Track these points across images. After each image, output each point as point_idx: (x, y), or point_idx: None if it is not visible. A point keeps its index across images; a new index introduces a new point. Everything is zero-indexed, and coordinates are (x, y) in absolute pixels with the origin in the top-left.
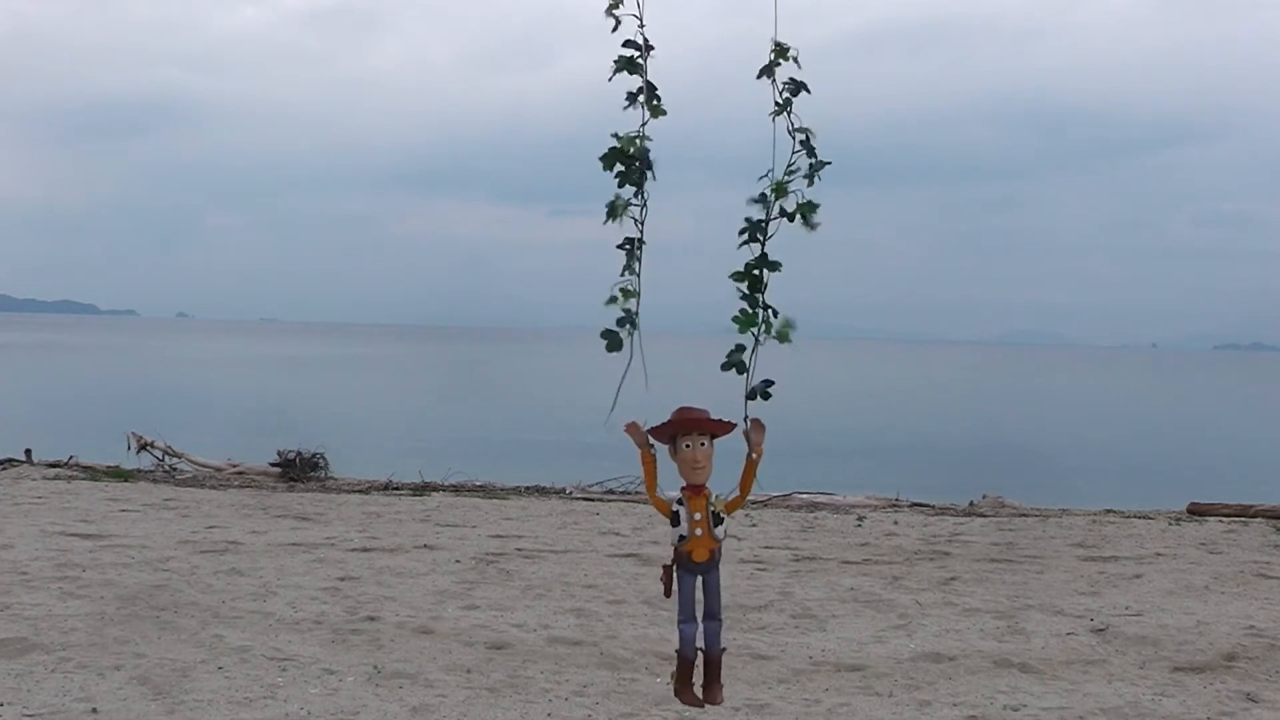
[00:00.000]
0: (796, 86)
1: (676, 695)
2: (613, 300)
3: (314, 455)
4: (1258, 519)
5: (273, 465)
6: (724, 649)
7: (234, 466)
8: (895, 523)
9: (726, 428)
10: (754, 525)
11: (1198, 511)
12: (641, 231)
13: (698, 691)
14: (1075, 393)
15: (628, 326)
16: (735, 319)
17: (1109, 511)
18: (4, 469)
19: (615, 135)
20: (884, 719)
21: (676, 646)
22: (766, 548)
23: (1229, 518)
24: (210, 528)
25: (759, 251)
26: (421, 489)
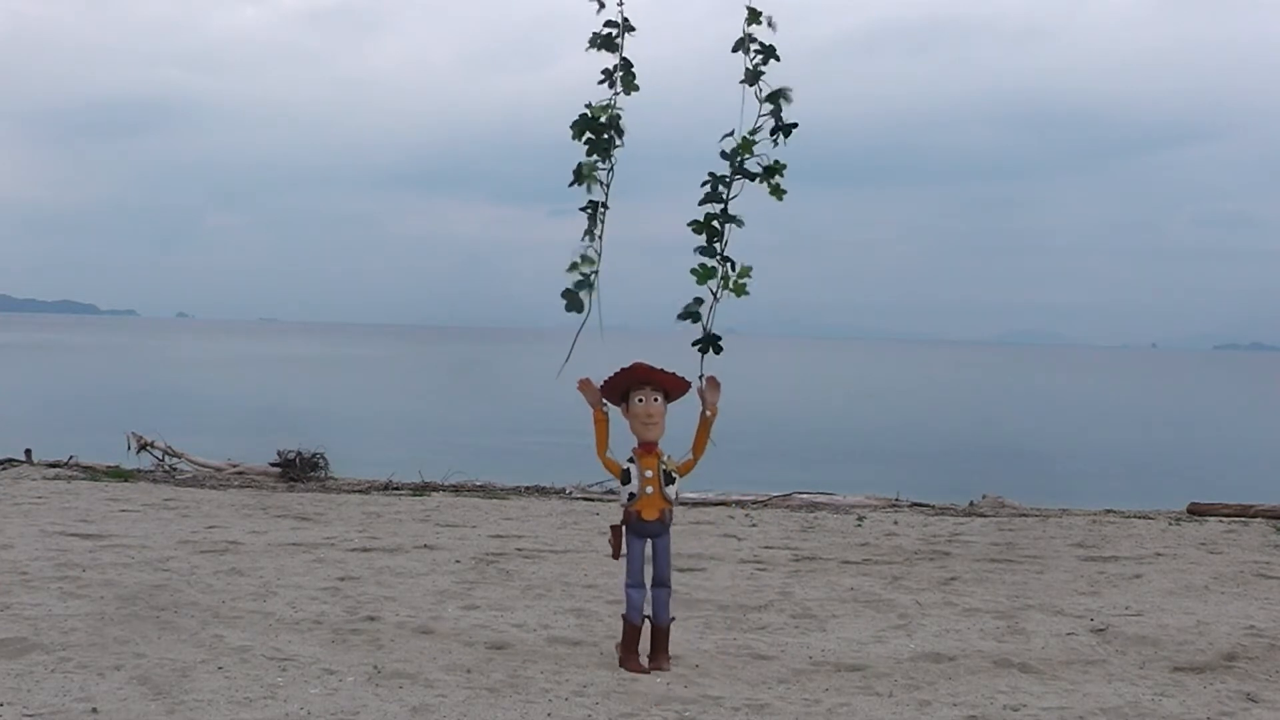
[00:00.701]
0: (767, 53)
1: (621, 664)
2: (574, 266)
3: (314, 455)
4: (1258, 519)
5: (273, 465)
6: (672, 618)
7: (234, 466)
8: (895, 523)
9: (680, 384)
10: (754, 525)
11: (1198, 511)
12: (607, 196)
13: (643, 660)
14: (1075, 393)
15: (587, 290)
16: (693, 271)
17: (1109, 511)
18: (4, 469)
19: (587, 105)
20: (884, 719)
21: (623, 612)
22: (766, 548)
23: (1229, 518)
24: (210, 528)
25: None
26: (421, 489)
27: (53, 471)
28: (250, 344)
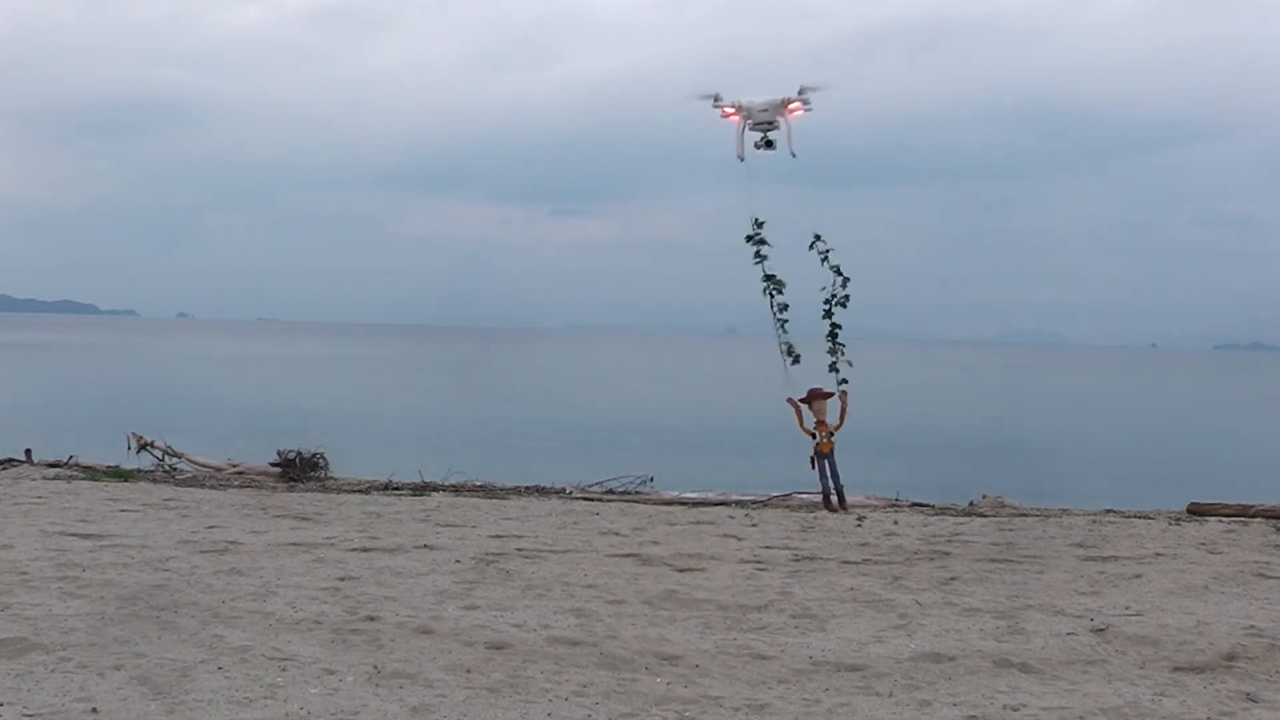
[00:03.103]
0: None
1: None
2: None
3: (314, 455)
4: (1258, 519)
5: (273, 465)
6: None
7: (234, 466)
8: (895, 523)
9: (820, 394)
10: (754, 525)
11: (1198, 511)
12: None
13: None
14: (1075, 393)
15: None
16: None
17: (1109, 511)
18: (4, 469)
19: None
20: (884, 719)
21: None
22: (766, 548)
23: (1229, 518)
24: (210, 528)
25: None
26: (421, 489)
27: (53, 471)
28: (250, 344)
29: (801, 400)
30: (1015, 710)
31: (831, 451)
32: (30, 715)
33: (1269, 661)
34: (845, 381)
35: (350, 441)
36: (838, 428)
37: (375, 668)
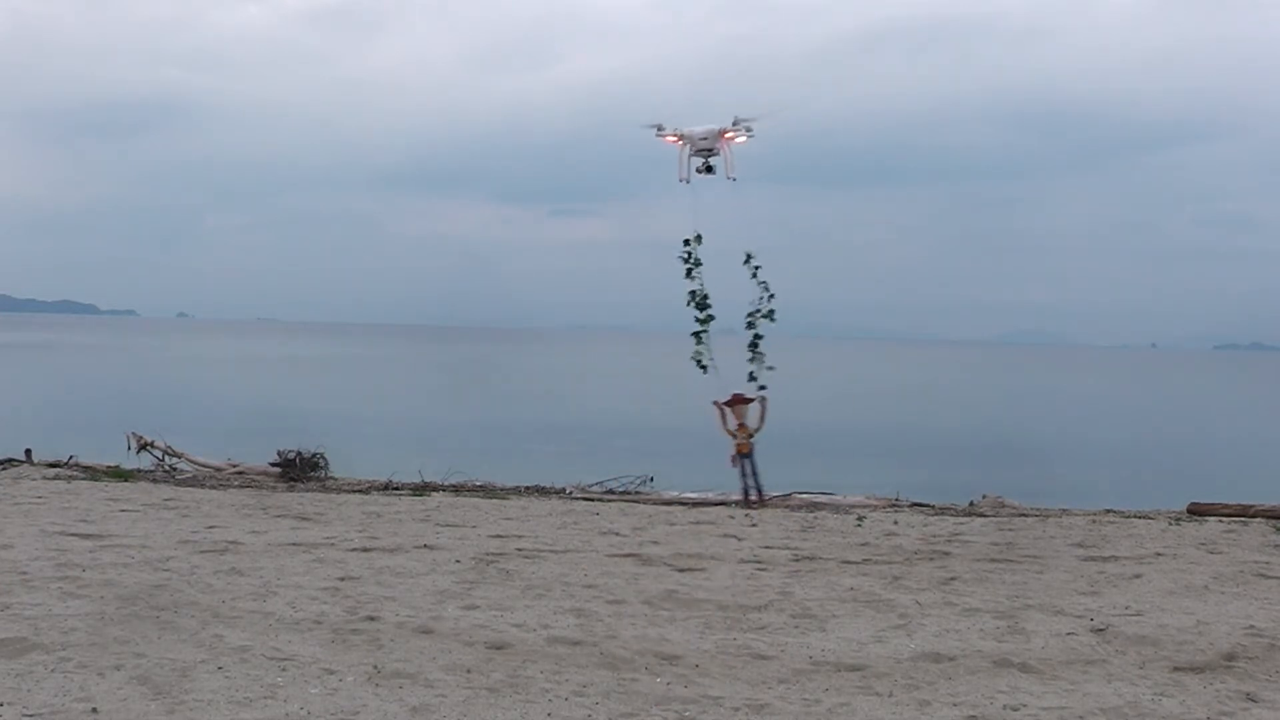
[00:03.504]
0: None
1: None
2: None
3: (314, 455)
4: (1258, 519)
5: (273, 465)
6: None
7: (234, 466)
8: (895, 523)
9: (748, 400)
10: (754, 525)
11: (1198, 511)
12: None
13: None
14: (1075, 393)
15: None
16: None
17: (1109, 511)
18: (4, 469)
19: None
20: (884, 719)
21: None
22: (766, 548)
23: (1229, 518)
24: (210, 528)
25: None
26: (421, 489)
27: (53, 471)
28: (250, 344)
29: (725, 403)
30: (1015, 710)
31: (750, 452)
32: (30, 715)
33: (1269, 661)
34: (764, 388)
35: (350, 441)
36: (757, 430)
37: (375, 668)
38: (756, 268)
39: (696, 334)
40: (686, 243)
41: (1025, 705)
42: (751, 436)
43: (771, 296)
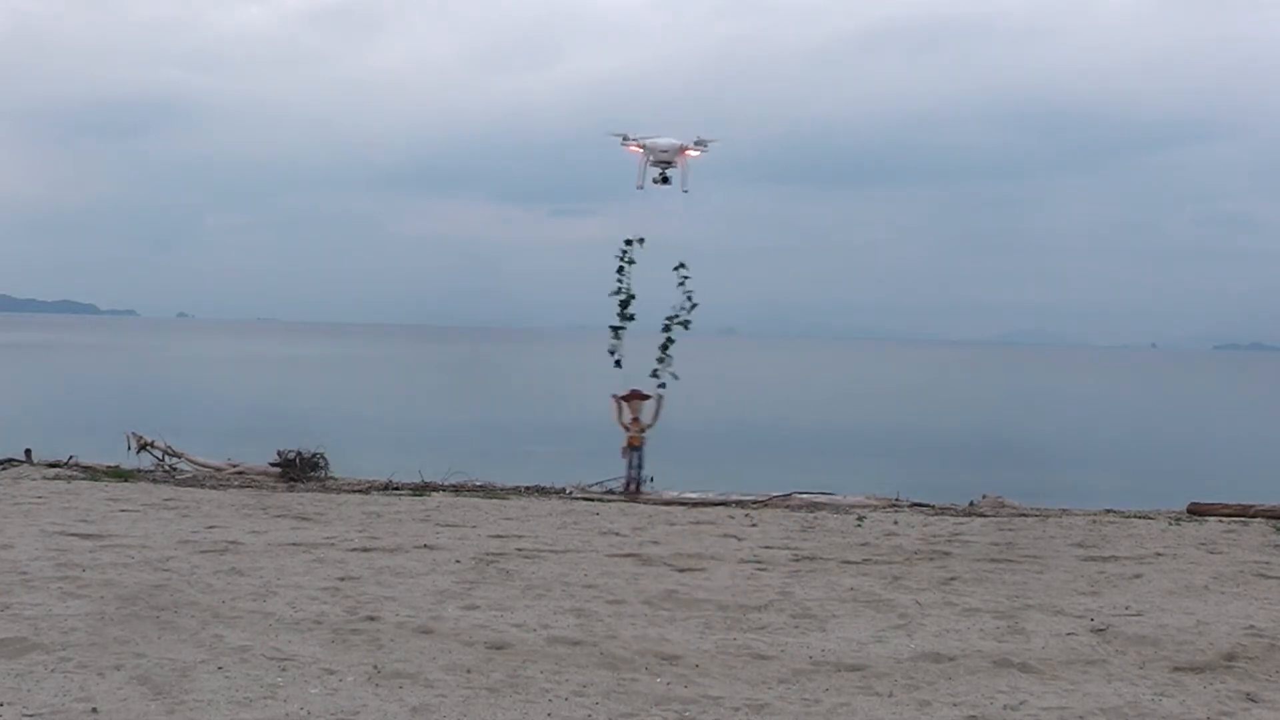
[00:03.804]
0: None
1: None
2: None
3: (314, 455)
4: (1258, 519)
5: (273, 465)
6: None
7: (234, 466)
8: (895, 523)
9: (645, 396)
10: (754, 525)
11: (1198, 511)
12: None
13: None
14: (1075, 393)
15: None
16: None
17: (1109, 511)
18: (4, 469)
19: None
20: (884, 719)
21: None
22: (766, 548)
23: (1229, 518)
24: (210, 528)
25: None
26: (421, 489)
27: (53, 471)
28: (250, 344)
29: (622, 398)
30: (1015, 710)
31: (640, 445)
32: (30, 715)
33: (1269, 661)
34: (663, 386)
35: (350, 441)
36: (649, 426)
37: (375, 668)
38: (685, 277)
39: (615, 329)
40: (629, 243)
41: (1025, 705)
42: (644, 431)
43: (694, 306)
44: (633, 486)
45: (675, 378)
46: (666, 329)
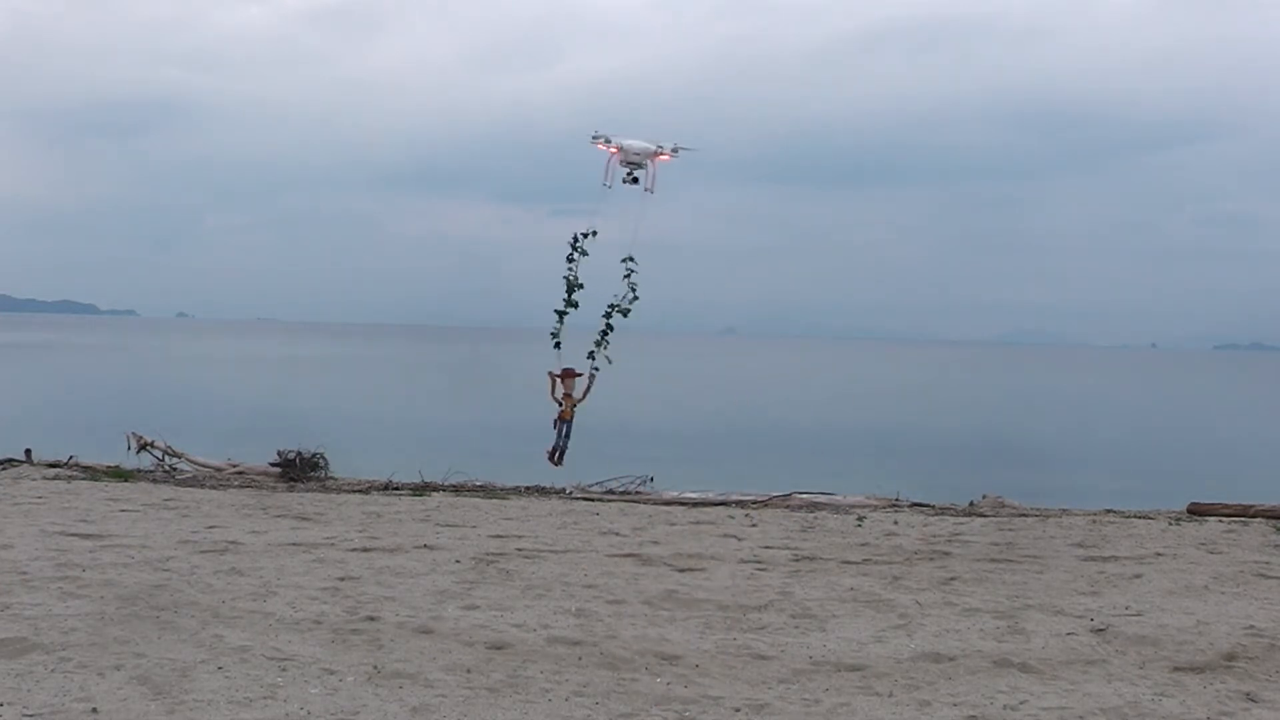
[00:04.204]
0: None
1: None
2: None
3: (314, 455)
4: (1258, 519)
5: (273, 465)
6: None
7: (234, 466)
8: (895, 523)
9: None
10: (754, 525)
11: (1198, 511)
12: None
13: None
14: (1075, 393)
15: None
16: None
17: (1109, 511)
18: (4, 469)
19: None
20: (884, 719)
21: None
22: (766, 548)
23: (1229, 518)
24: (210, 528)
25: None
26: (421, 489)
27: (53, 471)
28: (250, 344)
29: (558, 375)
30: (1015, 710)
31: (570, 419)
32: (30, 715)
33: (1269, 661)
34: (597, 368)
35: (350, 441)
36: (580, 400)
37: (375, 668)
38: (631, 270)
39: (559, 314)
40: (585, 235)
41: (1025, 705)
42: (575, 405)
43: (635, 299)
44: (557, 455)
45: (609, 361)
46: (607, 315)
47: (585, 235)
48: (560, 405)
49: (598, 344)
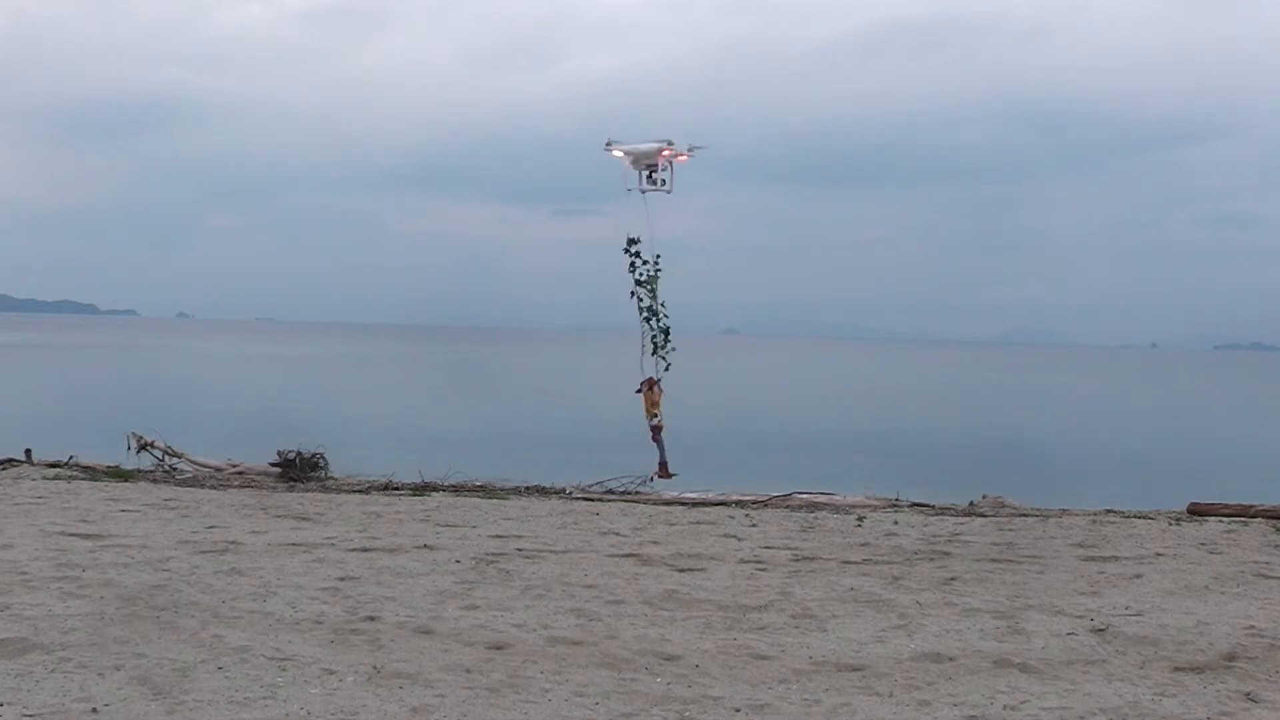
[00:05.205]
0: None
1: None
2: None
3: (314, 455)
4: (1258, 519)
5: (273, 465)
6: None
7: (234, 466)
8: (895, 523)
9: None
10: (754, 525)
11: (1198, 511)
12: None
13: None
14: (1075, 393)
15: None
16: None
17: (1109, 511)
18: (4, 469)
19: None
20: (884, 719)
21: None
22: (766, 548)
23: (1229, 518)
24: (210, 528)
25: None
26: (421, 489)
27: (53, 471)
28: (250, 344)
29: (642, 388)
30: (1015, 710)
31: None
32: (30, 715)
33: (1269, 661)
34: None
35: (350, 441)
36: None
37: (375, 668)
38: (642, 261)
39: (646, 318)
40: (632, 243)
41: (1025, 705)
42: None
43: (643, 284)
44: (666, 467)
45: (667, 366)
46: (651, 315)
47: (634, 242)
48: (656, 417)
49: (659, 346)
